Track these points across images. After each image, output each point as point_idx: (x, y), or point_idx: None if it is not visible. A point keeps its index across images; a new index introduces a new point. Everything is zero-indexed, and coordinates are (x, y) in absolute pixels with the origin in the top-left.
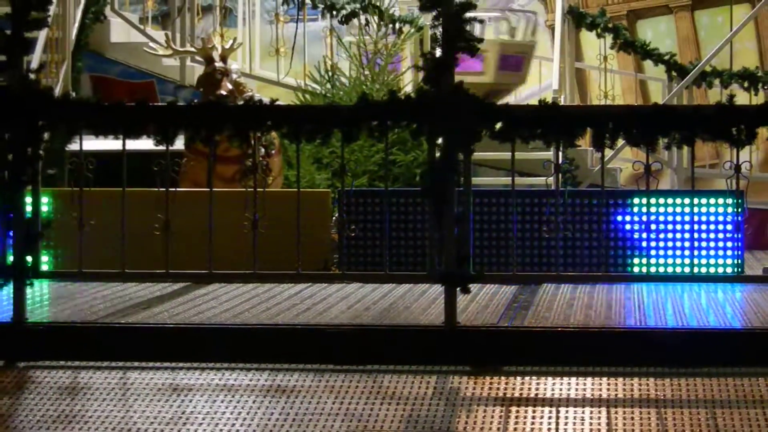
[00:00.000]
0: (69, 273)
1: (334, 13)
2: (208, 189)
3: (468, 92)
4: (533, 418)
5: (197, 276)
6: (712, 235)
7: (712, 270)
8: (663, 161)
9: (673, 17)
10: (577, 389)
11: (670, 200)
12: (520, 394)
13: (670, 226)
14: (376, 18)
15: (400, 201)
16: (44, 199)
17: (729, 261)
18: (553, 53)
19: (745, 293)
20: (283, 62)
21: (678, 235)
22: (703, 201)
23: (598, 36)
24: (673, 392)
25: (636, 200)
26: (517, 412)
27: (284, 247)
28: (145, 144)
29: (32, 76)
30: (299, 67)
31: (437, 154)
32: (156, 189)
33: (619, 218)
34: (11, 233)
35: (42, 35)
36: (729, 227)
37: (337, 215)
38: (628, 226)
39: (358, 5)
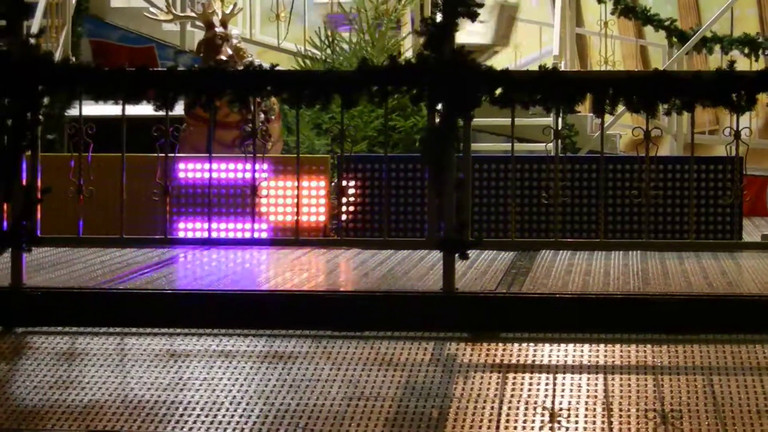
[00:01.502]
0: (67, 238)
1: None
2: (208, 154)
3: (468, 57)
4: (530, 384)
5: (196, 241)
6: (711, 201)
7: (711, 236)
8: (663, 127)
9: None
10: (574, 356)
11: (669, 166)
12: (518, 360)
13: (669, 192)
14: None
15: (399, 167)
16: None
17: (728, 227)
18: (554, 19)
19: (743, 260)
20: (283, 27)
21: (677, 201)
22: (703, 167)
23: (599, 1)
24: (671, 359)
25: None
26: (514, 378)
27: (285, 212)
28: (145, 109)
29: (32, 41)
30: (300, 33)
31: (437, 120)
32: (155, 154)
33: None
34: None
35: (42, 0)
36: (728, 193)
37: (336, 181)
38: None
39: None
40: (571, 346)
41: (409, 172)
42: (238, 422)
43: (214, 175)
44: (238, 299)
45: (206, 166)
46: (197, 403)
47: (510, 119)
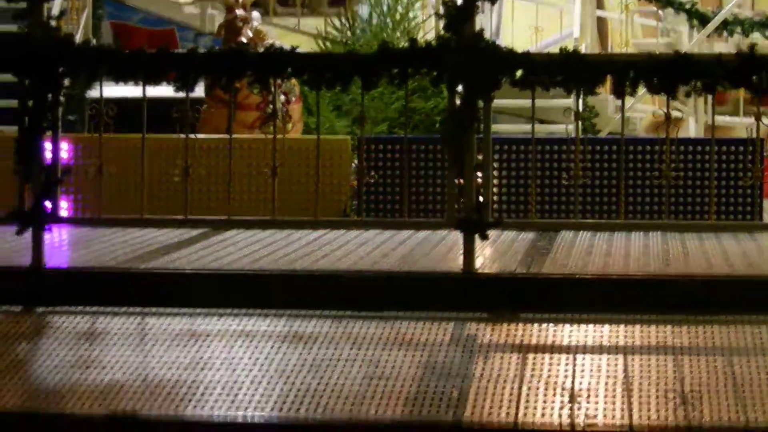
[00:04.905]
0: (88, 219)
1: None
2: (228, 135)
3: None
4: (550, 364)
5: (216, 222)
6: (731, 183)
7: (731, 217)
8: (684, 109)
9: None
10: (594, 336)
11: (690, 148)
12: (537, 340)
13: (690, 174)
14: None
15: (420, 148)
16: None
17: (748, 209)
18: (575, 1)
19: (763, 241)
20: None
21: (698, 183)
22: (723, 149)
23: None
24: (690, 339)
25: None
26: (534, 358)
27: (303, 194)
28: (165, 91)
29: (53, 22)
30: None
31: (457, 102)
32: (176, 135)
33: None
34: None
35: None
36: (748, 175)
37: (356, 162)
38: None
39: None
40: (591, 326)
41: (430, 153)
42: (258, 402)
43: None
44: (258, 279)
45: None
46: (218, 383)
47: (531, 100)
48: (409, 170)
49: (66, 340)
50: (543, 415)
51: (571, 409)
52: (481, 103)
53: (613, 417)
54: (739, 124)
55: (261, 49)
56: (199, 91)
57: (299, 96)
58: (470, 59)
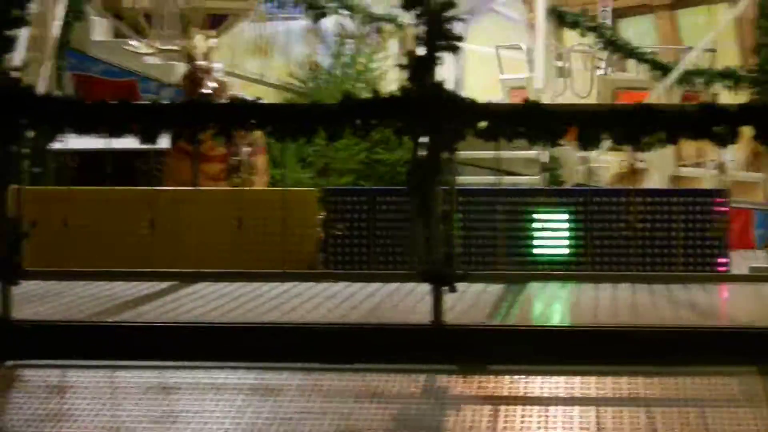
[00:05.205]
0: (56, 272)
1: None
2: (194, 188)
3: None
4: (523, 416)
5: (184, 275)
6: (698, 234)
7: (698, 269)
8: (647, 160)
9: (654, 16)
10: (566, 388)
11: (655, 199)
12: (509, 392)
13: (657, 225)
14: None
15: (386, 200)
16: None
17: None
18: (535, 52)
19: (731, 292)
20: (267, 61)
21: (665, 234)
22: (688, 200)
23: (581, 35)
24: (663, 391)
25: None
26: (506, 410)
27: (271, 245)
28: (129, 142)
29: (14, 74)
30: (283, 66)
31: (421, 153)
32: (141, 188)
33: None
34: None
35: (24, 33)
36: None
37: (323, 214)
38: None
39: (336, 4)
40: (563, 378)
41: (396, 205)
42: None
43: None
44: (228, 332)
45: None
46: None
47: (494, 152)
48: (375, 221)
49: (36, 393)
50: None
51: None
52: (445, 155)
53: None
54: (703, 175)
55: (223, 100)
56: (166, 142)
57: (263, 147)
58: (433, 110)
